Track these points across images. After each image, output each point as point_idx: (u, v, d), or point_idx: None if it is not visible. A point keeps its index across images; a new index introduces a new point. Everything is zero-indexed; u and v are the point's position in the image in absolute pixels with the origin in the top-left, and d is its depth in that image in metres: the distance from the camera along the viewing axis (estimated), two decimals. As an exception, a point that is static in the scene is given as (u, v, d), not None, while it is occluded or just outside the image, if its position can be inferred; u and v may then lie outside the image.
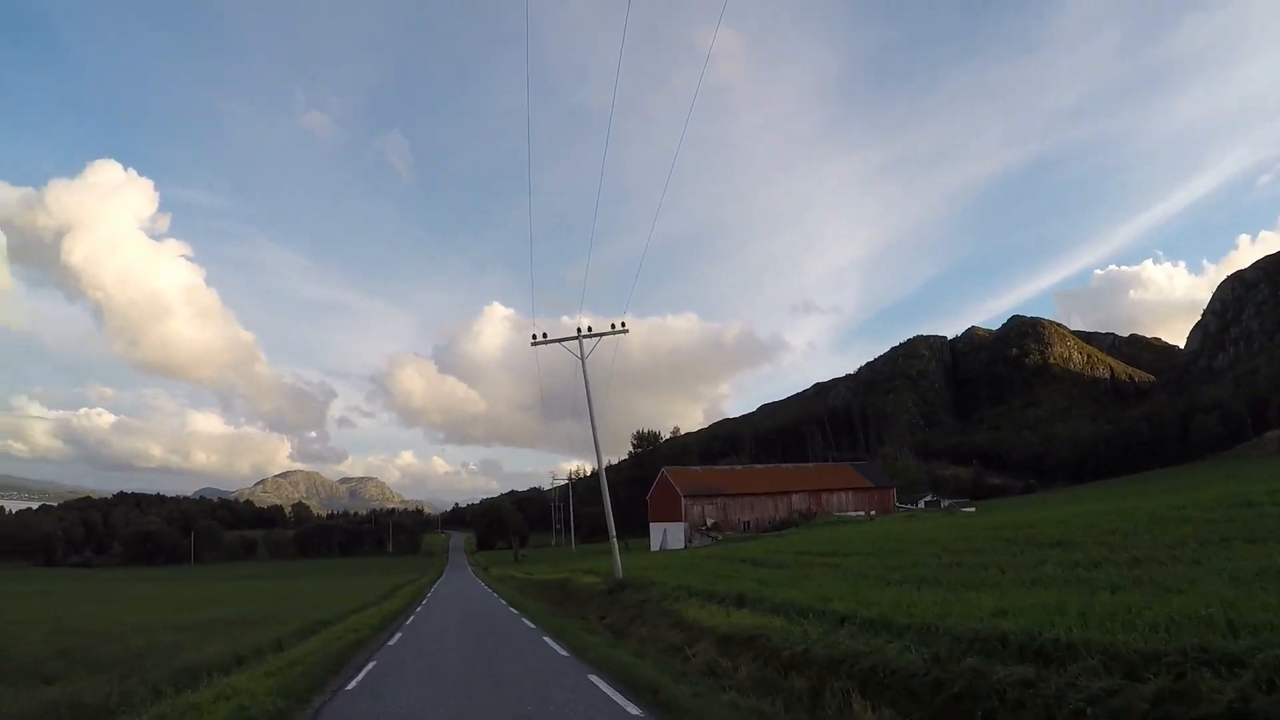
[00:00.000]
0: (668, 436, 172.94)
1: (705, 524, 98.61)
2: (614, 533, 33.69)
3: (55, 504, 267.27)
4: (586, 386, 34.12)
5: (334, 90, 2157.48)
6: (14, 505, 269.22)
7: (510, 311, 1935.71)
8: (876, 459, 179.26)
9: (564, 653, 17.42)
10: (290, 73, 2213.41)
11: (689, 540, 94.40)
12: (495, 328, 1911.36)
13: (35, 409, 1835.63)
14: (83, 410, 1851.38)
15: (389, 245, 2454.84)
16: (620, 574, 30.79)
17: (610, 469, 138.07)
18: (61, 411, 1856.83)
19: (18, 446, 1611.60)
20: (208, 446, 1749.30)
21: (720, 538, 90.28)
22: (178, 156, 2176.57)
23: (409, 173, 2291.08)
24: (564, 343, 34.22)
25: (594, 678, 13.74)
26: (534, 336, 34.25)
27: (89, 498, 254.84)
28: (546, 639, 20.23)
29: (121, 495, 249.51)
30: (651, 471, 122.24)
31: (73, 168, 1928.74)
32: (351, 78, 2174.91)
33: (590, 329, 34.21)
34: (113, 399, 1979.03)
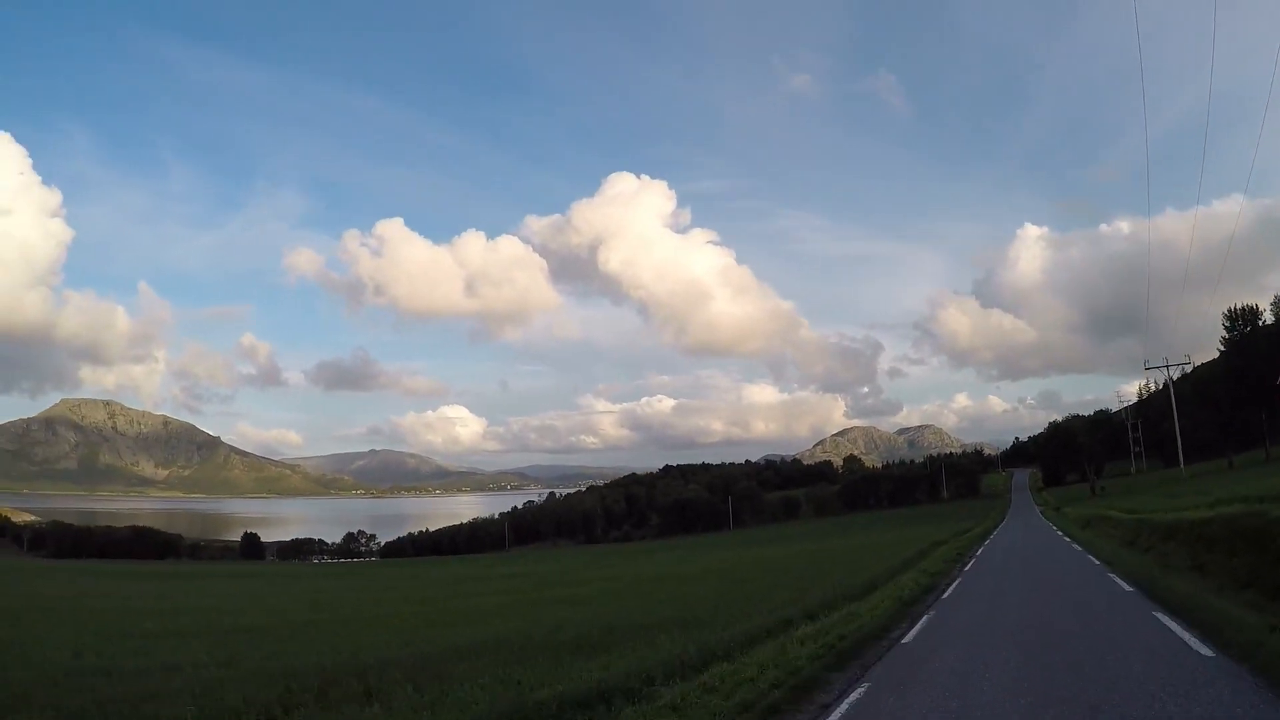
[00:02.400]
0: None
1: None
2: None
3: (602, 484, 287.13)
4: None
5: (808, 47, 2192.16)
6: (566, 490, 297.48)
7: (1043, 230, 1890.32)
8: None
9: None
10: (763, 44, 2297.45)
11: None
12: (1030, 250, 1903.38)
13: (601, 404, 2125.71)
14: (644, 399, 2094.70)
15: (902, 185, 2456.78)
16: None
17: (1194, 372, 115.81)
18: (625, 403, 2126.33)
19: (589, 440, 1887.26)
20: (765, 415, 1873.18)
21: None
22: (682, 154, 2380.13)
23: (905, 107, 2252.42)
24: None
25: None
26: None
27: (634, 474, 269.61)
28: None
29: (667, 469, 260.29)
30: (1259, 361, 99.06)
31: (590, 187, 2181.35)
32: (821, 30, 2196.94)
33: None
34: (669, 384, 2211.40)
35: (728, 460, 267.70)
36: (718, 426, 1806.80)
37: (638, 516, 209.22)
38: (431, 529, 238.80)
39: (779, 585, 30.66)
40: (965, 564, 33.56)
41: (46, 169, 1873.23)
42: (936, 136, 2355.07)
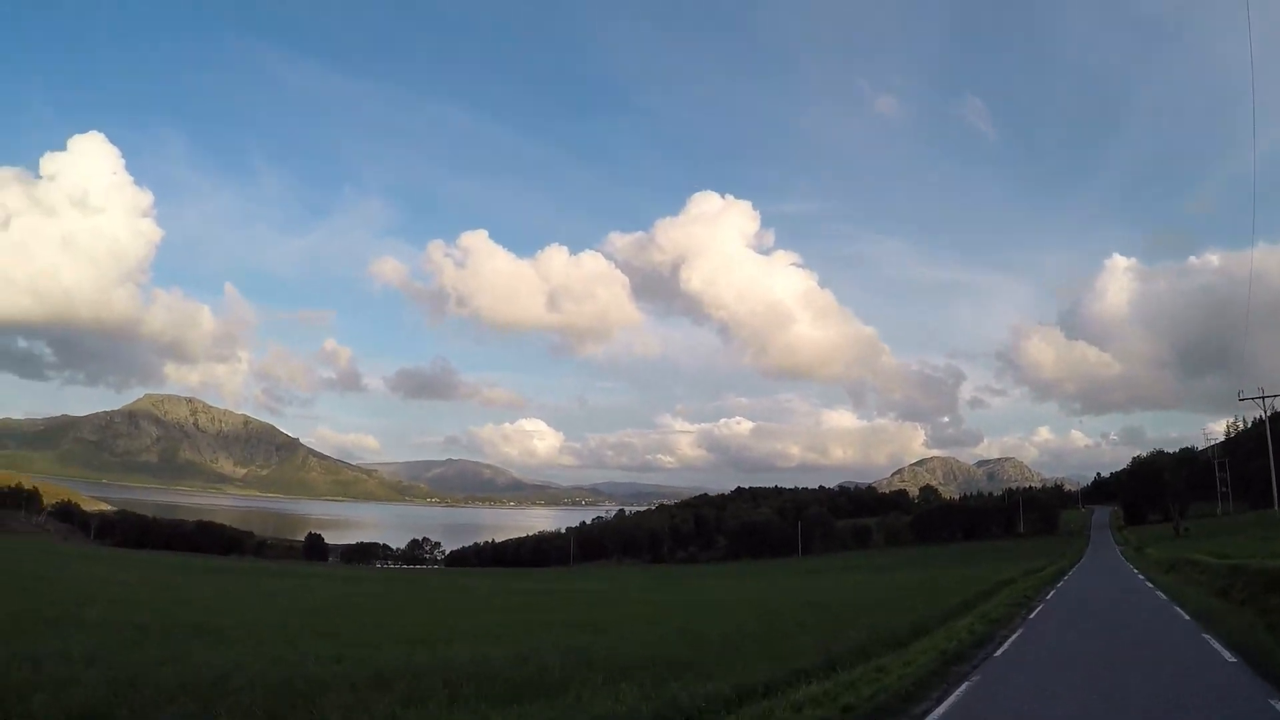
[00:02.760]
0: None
1: None
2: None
3: (672, 503, 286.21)
4: None
5: (896, 70, 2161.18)
6: (640, 508, 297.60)
7: (1131, 261, 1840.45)
8: None
9: None
10: (850, 66, 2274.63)
11: None
12: (1118, 281, 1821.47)
13: (679, 424, 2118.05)
14: (721, 420, 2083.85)
15: (988, 211, 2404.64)
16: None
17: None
18: (703, 424, 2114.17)
19: (666, 459, 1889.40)
20: (843, 441, 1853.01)
21: None
22: (768, 175, 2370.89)
23: (993, 132, 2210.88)
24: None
25: None
26: None
27: (705, 494, 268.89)
28: None
29: (739, 490, 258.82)
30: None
31: (675, 206, 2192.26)
32: (909, 52, 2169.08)
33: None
34: (748, 407, 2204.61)
35: (804, 486, 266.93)
36: (795, 451, 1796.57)
37: (706, 538, 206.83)
38: (498, 540, 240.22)
39: (812, 623, 27.79)
40: (1031, 610, 30.23)
41: (139, 170, 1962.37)
42: (1024, 162, 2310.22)
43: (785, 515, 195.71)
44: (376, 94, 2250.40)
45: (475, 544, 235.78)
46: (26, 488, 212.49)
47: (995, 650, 19.84)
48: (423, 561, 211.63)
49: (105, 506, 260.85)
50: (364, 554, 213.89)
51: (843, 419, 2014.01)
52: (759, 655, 18.70)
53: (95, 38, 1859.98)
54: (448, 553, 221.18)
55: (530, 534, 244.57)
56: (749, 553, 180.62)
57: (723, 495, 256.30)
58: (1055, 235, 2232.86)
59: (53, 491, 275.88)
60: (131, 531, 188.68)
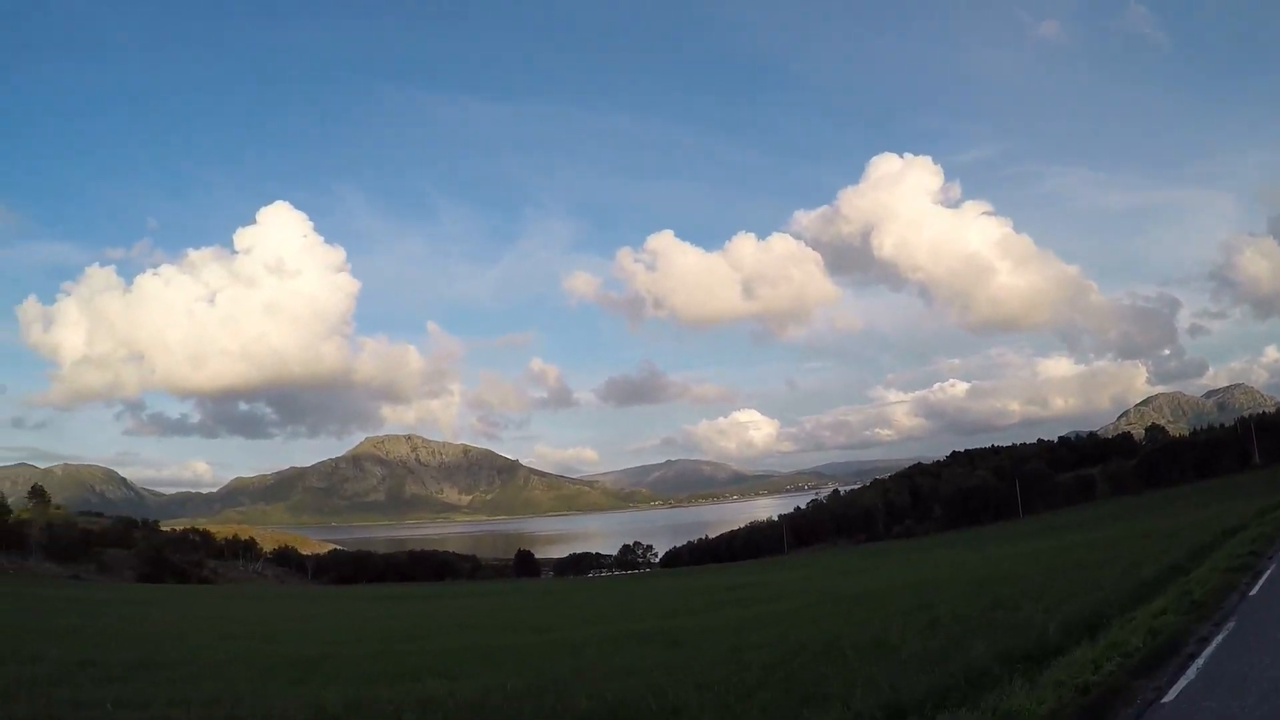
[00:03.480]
0: None
1: None
2: None
3: (885, 476, 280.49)
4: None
5: None
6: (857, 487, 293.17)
7: None
8: None
9: None
10: None
11: None
12: None
13: (893, 395, 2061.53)
14: (935, 385, 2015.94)
15: (1172, 124, 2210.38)
16: None
17: None
18: (916, 391, 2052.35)
19: (884, 432, 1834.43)
20: (1062, 389, 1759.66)
21: None
22: (941, 125, 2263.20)
23: (1162, 38, 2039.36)
24: None
25: None
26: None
27: (919, 464, 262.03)
28: None
29: (954, 455, 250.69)
30: None
31: (854, 174, 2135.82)
32: None
33: None
34: (960, 367, 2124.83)
35: (1029, 441, 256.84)
36: (1014, 407, 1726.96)
37: (922, 509, 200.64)
38: (712, 536, 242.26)
39: (932, 626, 22.61)
40: (1257, 578, 23.29)
41: (327, 230, 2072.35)
42: (1201, 64, 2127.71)
43: (1002, 476, 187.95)
44: (538, 115, 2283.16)
45: (689, 542, 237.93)
46: (243, 538, 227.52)
47: (1178, 680, 13.46)
48: (636, 565, 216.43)
49: (332, 547, 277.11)
50: (577, 565, 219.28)
51: (1058, 366, 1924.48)
52: (836, 679, 14.77)
53: (266, 116, 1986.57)
54: (660, 554, 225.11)
55: (740, 527, 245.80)
56: (967, 520, 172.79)
57: (938, 462, 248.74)
58: (1248, 137, 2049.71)
59: (278, 538, 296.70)
60: (346, 568, 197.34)
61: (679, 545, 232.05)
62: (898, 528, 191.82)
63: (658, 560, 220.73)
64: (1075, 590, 24.40)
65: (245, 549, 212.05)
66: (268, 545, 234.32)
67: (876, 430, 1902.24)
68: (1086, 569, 32.14)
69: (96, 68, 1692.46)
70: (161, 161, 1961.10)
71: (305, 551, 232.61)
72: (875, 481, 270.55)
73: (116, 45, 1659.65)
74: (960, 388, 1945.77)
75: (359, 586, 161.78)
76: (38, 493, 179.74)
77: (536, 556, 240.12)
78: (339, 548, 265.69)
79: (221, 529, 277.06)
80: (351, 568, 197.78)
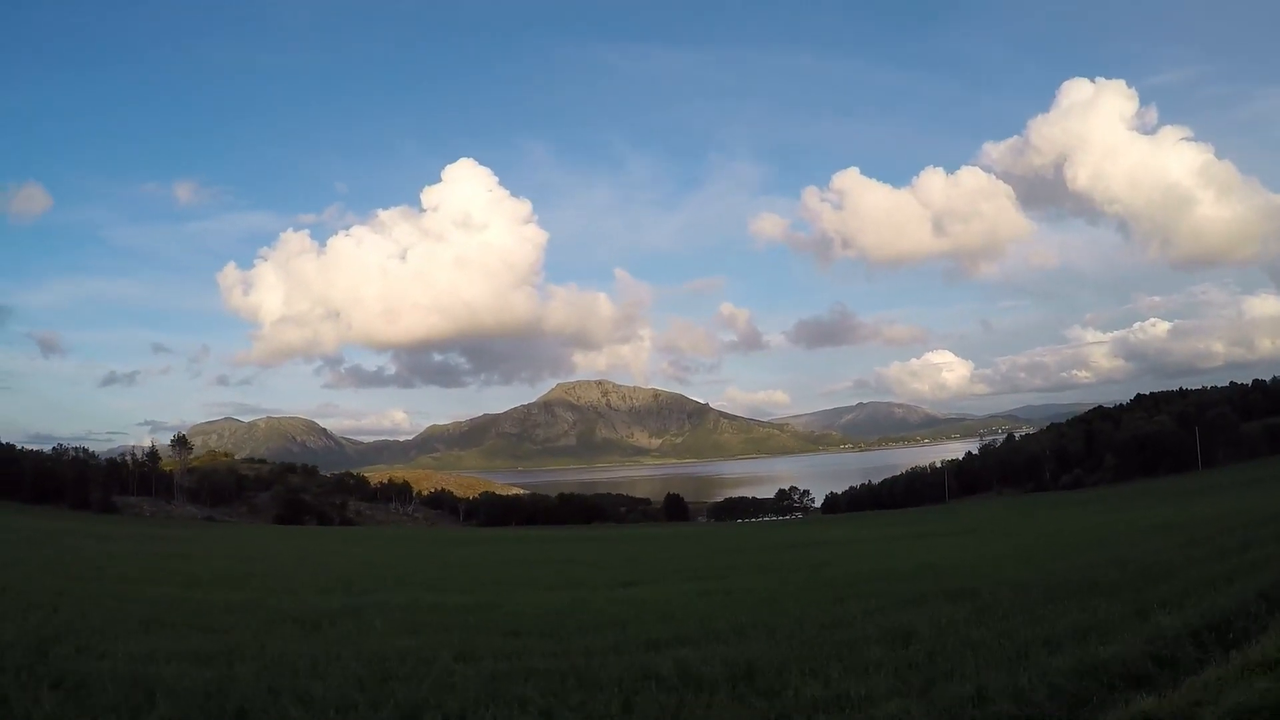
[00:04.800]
0: None
1: None
2: None
3: (1064, 421, 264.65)
4: None
5: None
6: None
7: None
8: None
9: None
10: None
11: None
12: None
13: (1091, 335, 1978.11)
14: (1135, 325, 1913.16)
15: None
16: None
17: None
18: (1115, 331, 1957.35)
19: (1082, 374, 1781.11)
20: (1270, 330, 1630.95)
21: None
22: (1134, 46, 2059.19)
23: None
24: None
25: None
26: None
27: (1100, 407, 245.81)
28: None
29: (1139, 398, 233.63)
30: None
31: (1044, 102, 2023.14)
32: None
33: None
34: (1161, 305, 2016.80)
35: (1233, 383, 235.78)
36: (1218, 348, 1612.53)
37: (1096, 457, 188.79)
38: (875, 482, 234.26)
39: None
40: None
41: (512, 184, 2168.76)
42: None
43: (1185, 423, 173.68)
44: (717, 59, 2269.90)
45: (852, 488, 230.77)
46: (397, 481, 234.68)
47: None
48: (790, 511, 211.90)
49: (517, 490, 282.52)
50: (730, 510, 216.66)
51: (1266, 305, 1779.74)
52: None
53: (445, 77, 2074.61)
54: (818, 501, 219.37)
55: (901, 473, 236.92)
56: (1142, 470, 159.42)
57: (1119, 406, 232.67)
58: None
59: (460, 482, 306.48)
60: (495, 510, 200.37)
61: (838, 492, 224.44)
62: (1066, 477, 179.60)
63: (816, 506, 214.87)
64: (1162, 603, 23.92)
65: (399, 492, 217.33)
66: (448, 488, 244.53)
67: (1074, 372, 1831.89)
68: (1200, 562, 22.86)
69: (278, 50, 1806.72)
70: (347, 129, 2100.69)
71: (472, 494, 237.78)
72: (1052, 426, 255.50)
73: (295, 29, 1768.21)
74: (1161, 327, 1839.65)
75: (503, 529, 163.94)
76: (180, 441, 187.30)
77: (710, 500, 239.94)
78: (523, 491, 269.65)
79: (408, 474, 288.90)
80: (501, 510, 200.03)
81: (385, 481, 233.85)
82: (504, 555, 68.23)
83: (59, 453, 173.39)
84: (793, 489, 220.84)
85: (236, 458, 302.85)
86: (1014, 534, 57.89)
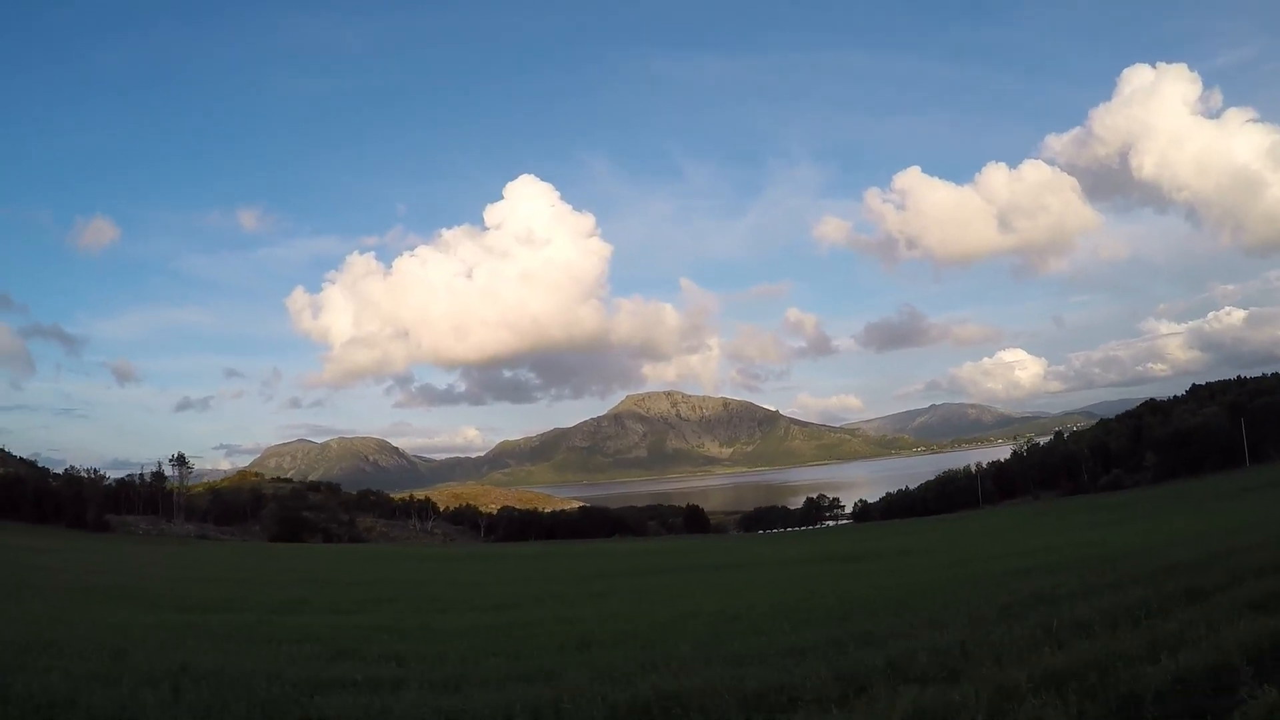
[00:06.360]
0: None
1: None
2: None
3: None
4: None
5: None
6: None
7: None
8: None
9: None
10: None
11: None
12: None
13: (1165, 326, 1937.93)
14: (1210, 314, 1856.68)
15: None
16: None
17: None
18: (1190, 322, 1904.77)
19: (1157, 367, 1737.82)
20: None
21: None
22: (1193, 26, 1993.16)
23: None
24: None
25: None
26: None
27: (1151, 400, 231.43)
28: None
29: (1194, 389, 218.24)
30: None
31: (1105, 90, 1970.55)
32: None
33: None
34: (1236, 293, 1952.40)
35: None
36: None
37: (1139, 456, 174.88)
38: (911, 487, 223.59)
39: None
40: None
41: (575, 198, 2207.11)
42: None
43: (1236, 413, 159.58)
44: (770, 64, 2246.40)
45: (887, 494, 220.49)
46: (419, 498, 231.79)
47: None
48: (820, 520, 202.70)
49: (580, 504, 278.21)
50: (760, 520, 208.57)
51: None
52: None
53: (502, 91, 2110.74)
54: (849, 509, 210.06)
55: (932, 478, 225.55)
56: (1185, 469, 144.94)
57: (1174, 398, 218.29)
58: None
59: (505, 496, 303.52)
60: (514, 526, 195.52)
61: (871, 501, 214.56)
62: (1105, 478, 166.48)
63: (847, 513, 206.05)
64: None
65: (419, 509, 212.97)
66: (493, 504, 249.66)
67: (1149, 365, 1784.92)
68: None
69: (334, 75, 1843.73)
70: (405, 151, 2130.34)
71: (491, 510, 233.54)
72: (1101, 422, 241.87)
73: (350, 54, 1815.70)
74: (1237, 315, 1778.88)
75: (528, 544, 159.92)
76: (179, 460, 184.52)
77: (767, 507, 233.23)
78: (584, 504, 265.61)
79: (474, 491, 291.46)
80: (519, 525, 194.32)
81: (407, 499, 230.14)
82: (451, 574, 65.10)
83: (70, 474, 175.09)
84: (820, 496, 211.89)
85: (308, 479, 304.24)
86: (935, 565, 47.99)
